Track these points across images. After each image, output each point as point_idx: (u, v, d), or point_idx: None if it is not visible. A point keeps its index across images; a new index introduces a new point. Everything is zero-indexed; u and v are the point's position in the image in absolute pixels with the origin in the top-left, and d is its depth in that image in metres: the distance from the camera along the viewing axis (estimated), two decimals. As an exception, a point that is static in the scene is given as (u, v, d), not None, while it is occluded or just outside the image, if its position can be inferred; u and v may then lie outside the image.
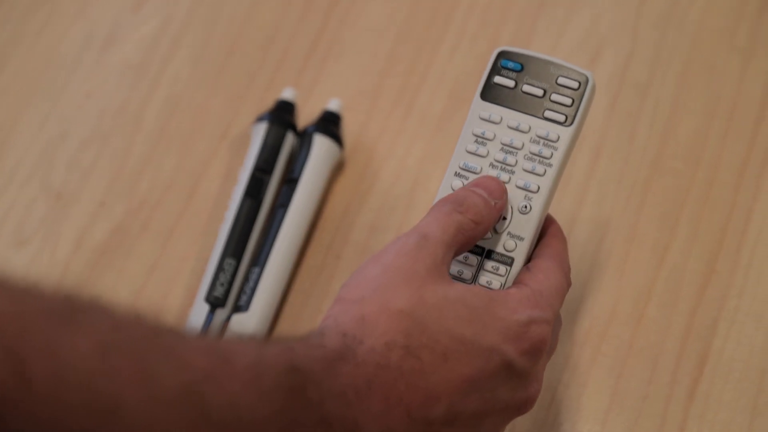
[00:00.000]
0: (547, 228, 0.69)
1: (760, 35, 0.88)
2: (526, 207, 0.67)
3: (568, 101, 0.68)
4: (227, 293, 0.80)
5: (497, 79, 0.69)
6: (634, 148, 0.86)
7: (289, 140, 0.85)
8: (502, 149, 0.68)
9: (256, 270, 0.81)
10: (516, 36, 0.90)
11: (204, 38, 0.92)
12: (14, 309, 0.49)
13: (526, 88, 0.68)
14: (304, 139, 0.85)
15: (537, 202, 0.67)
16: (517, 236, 0.67)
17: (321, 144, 0.84)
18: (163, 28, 0.92)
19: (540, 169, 0.67)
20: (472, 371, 0.60)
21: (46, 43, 0.92)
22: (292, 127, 0.85)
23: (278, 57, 0.91)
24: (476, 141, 0.68)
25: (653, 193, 0.84)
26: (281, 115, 0.85)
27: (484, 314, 0.61)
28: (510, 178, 0.67)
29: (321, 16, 0.92)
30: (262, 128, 0.85)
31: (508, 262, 0.67)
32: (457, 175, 0.68)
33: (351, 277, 0.63)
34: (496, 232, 0.67)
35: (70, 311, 0.50)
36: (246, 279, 0.81)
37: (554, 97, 0.68)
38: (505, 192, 0.67)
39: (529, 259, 0.67)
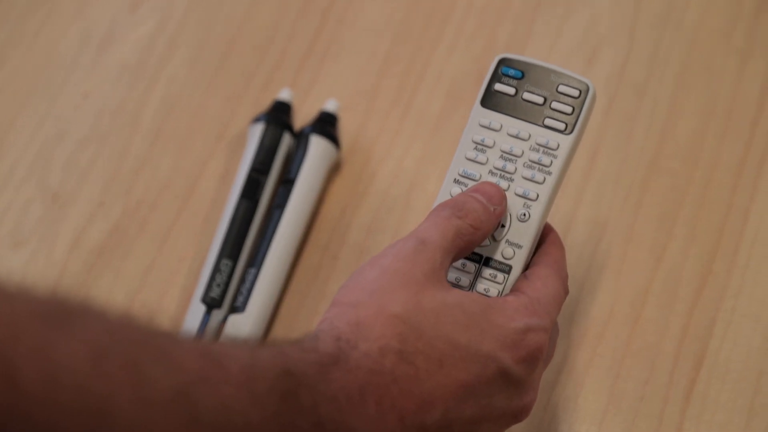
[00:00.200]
0: (545, 236, 0.68)
1: (757, 36, 0.88)
2: (524, 215, 0.67)
3: (569, 109, 0.68)
4: (224, 294, 0.80)
5: (498, 86, 0.69)
6: (631, 148, 0.86)
7: (286, 141, 0.85)
8: (501, 157, 0.68)
9: (253, 271, 0.81)
10: (513, 36, 0.90)
11: (201, 39, 0.92)
12: (5, 312, 0.49)
13: (527, 95, 0.68)
14: (301, 139, 0.85)
15: (536, 210, 0.67)
16: (515, 244, 0.67)
17: (318, 145, 0.84)
18: (160, 28, 0.92)
19: (539, 176, 0.67)
20: (468, 377, 0.60)
21: (44, 43, 0.92)
22: (289, 127, 0.85)
23: (275, 57, 0.91)
24: (476, 148, 0.68)
25: (651, 194, 0.84)
26: (278, 115, 0.85)
27: (482, 321, 0.61)
28: (509, 185, 0.67)
29: (318, 17, 0.92)
30: (258, 129, 0.85)
31: (506, 269, 0.67)
32: (456, 182, 0.68)
33: (348, 280, 0.62)
34: (495, 240, 0.67)
35: (62, 314, 0.50)
36: (242, 280, 0.81)
37: (555, 105, 0.68)
38: (504, 198, 0.66)
39: (527, 267, 0.67)
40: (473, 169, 0.68)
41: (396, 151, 0.87)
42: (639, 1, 0.91)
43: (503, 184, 0.67)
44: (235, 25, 0.92)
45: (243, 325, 0.79)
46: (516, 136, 0.68)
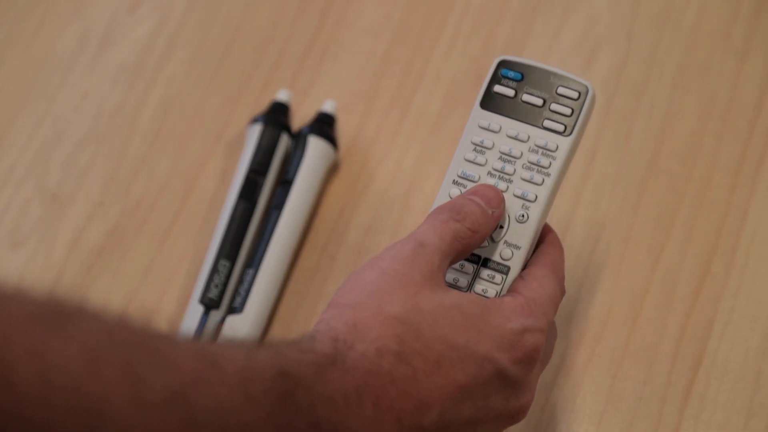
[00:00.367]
0: (544, 236, 0.68)
1: (755, 36, 0.88)
2: (523, 216, 0.67)
3: (568, 111, 0.68)
4: (222, 295, 0.80)
5: (497, 88, 0.69)
6: (629, 149, 0.86)
7: (284, 142, 0.85)
8: (500, 158, 0.68)
9: (251, 271, 0.81)
10: (511, 37, 0.90)
11: (199, 39, 0.92)
12: (0, 314, 0.49)
13: (526, 97, 0.68)
14: (299, 140, 0.85)
15: (534, 212, 0.67)
16: (513, 245, 0.67)
17: (316, 146, 0.84)
18: (158, 29, 0.92)
19: (538, 178, 0.67)
20: (465, 378, 0.60)
21: (42, 44, 0.92)
22: (287, 128, 0.85)
23: (273, 58, 0.91)
24: (475, 149, 0.68)
25: (649, 194, 0.84)
26: (276, 116, 0.85)
27: (479, 322, 0.61)
28: (508, 187, 0.67)
29: (316, 18, 0.92)
30: (256, 130, 0.85)
31: (504, 270, 0.67)
32: (455, 183, 0.68)
33: (346, 281, 0.62)
34: (493, 241, 0.67)
35: (58, 316, 0.50)
36: (240, 280, 0.81)
37: (554, 106, 0.68)
38: (502, 201, 0.67)
39: (525, 268, 0.67)
40: (472, 171, 0.68)
41: (394, 151, 0.87)
42: (637, 1, 0.90)
43: (502, 185, 0.67)
44: (234, 26, 0.92)
45: (241, 325, 0.79)
46: (515, 138, 0.68)
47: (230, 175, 0.86)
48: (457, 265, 0.67)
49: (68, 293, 0.53)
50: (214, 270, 0.81)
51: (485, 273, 0.67)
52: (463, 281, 0.67)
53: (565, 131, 0.68)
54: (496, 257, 0.67)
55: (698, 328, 0.79)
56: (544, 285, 0.65)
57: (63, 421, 0.49)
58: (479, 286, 0.67)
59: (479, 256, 0.67)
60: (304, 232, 0.84)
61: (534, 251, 0.68)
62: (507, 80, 0.69)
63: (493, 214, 0.66)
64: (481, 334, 0.61)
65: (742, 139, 0.85)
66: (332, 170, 0.86)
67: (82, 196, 0.86)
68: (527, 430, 0.77)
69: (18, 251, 0.85)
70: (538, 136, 0.68)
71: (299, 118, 0.87)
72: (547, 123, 0.68)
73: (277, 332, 0.81)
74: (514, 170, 0.67)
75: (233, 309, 0.80)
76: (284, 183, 0.83)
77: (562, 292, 0.67)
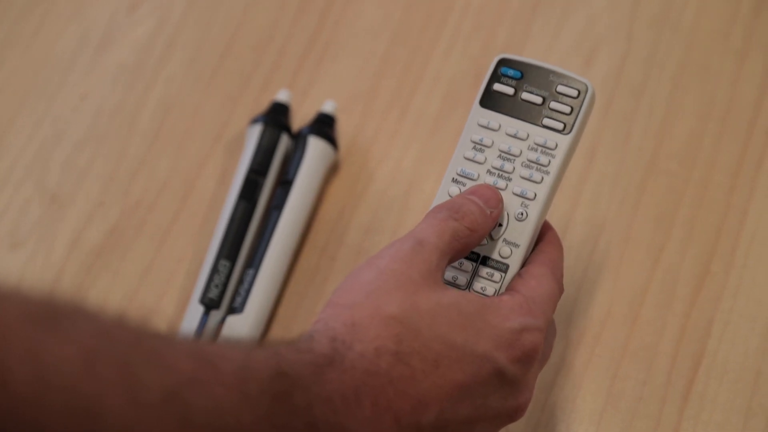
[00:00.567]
0: (543, 234, 0.68)
1: (754, 37, 0.88)
2: (522, 214, 0.67)
3: (567, 109, 0.68)
4: (222, 295, 0.80)
5: (497, 86, 0.69)
6: (629, 149, 0.86)
7: (284, 142, 0.85)
8: (500, 156, 0.68)
9: (251, 272, 0.81)
10: (511, 37, 0.90)
11: (199, 40, 0.92)
12: None
13: (526, 95, 0.68)
14: (299, 141, 0.85)
15: (533, 210, 0.67)
16: (512, 243, 0.67)
17: (316, 146, 0.84)
18: (158, 29, 0.92)
19: (537, 176, 0.67)
20: (463, 378, 0.60)
21: (42, 44, 0.92)
22: (287, 129, 0.85)
23: (273, 59, 0.91)
24: (474, 148, 0.68)
25: (648, 194, 0.84)
26: (276, 117, 0.85)
27: (477, 321, 0.61)
28: (507, 185, 0.67)
29: (316, 18, 0.92)
30: (256, 130, 0.85)
31: (503, 268, 0.67)
32: (454, 181, 0.68)
33: (344, 281, 0.62)
34: (492, 239, 0.67)
35: (54, 316, 0.50)
36: (241, 281, 0.81)
37: (553, 105, 0.68)
38: (501, 201, 0.67)
39: (524, 266, 0.67)
40: (472, 169, 0.68)
41: (394, 151, 0.87)
42: (637, 1, 0.91)
43: (501, 183, 0.67)
44: (233, 26, 0.92)
45: (241, 325, 0.79)
46: (514, 136, 0.68)
47: (229, 176, 0.86)
48: (455, 263, 0.67)
49: (65, 293, 0.53)
50: (215, 270, 0.81)
51: (484, 271, 0.67)
52: (462, 279, 0.67)
53: (564, 129, 0.68)
54: (495, 255, 0.67)
55: (698, 328, 0.79)
56: (542, 283, 0.65)
57: (59, 421, 0.49)
58: (478, 284, 0.67)
59: (478, 254, 0.67)
60: (304, 232, 0.84)
61: (533, 249, 0.68)
62: (507, 78, 0.69)
63: (492, 214, 0.66)
64: (480, 333, 0.61)
65: (741, 140, 0.85)
66: (332, 170, 0.86)
67: (82, 196, 0.86)
68: (527, 430, 0.77)
69: (18, 251, 0.85)
70: (538, 134, 0.68)
71: (299, 119, 0.87)
72: (546, 121, 0.68)
73: (277, 332, 0.81)
74: (514, 168, 0.68)
75: (233, 309, 0.80)
76: (284, 183, 0.83)
77: (561, 290, 0.67)
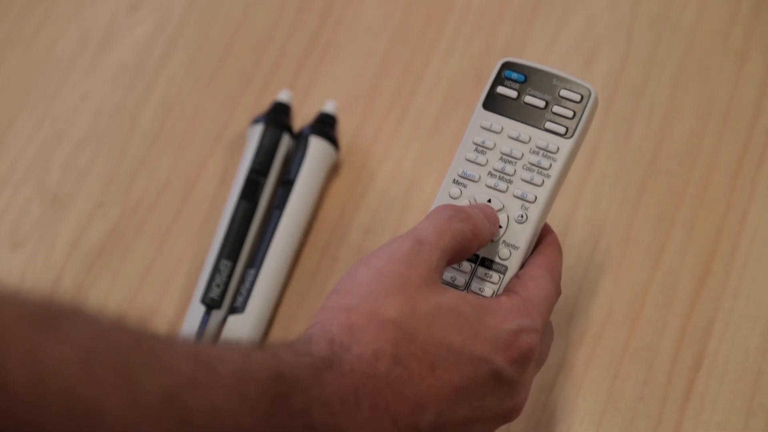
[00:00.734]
0: (543, 237, 0.69)
1: (754, 37, 0.89)
2: (522, 216, 0.67)
3: (570, 113, 0.68)
4: (223, 295, 0.80)
5: (500, 89, 0.69)
6: (629, 149, 0.86)
7: (285, 142, 0.85)
8: (501, 158, 0.68)
9: (252, 271, 0.81)
10: (511, 38, 0.90)
11: (199, 40, 0.92)
12: None
13: (529, 99, 0.69)
14: (300, 141, 0.85)
15: (534, 212, 0.67)
16: (512, 245, 0.67)
17: (317, 146, 0.84)
18: (158, 29, 0.92)
19: (538, 179, 0.67)
20: (460, 380, 0.60)
21: (42, 45, 0.92)
22: (288, 129, 0.85)
23: (274, 59, 0.91)
24: (476, 149, 0.68)
25: (649, 195, 0.84)
26: (277, 117, 0.85)
27: (475, 323, 0.61)
28: (508, 187, 0.68)
29: (316, 18, 0.92)
30: (257, 130, 0.85)
31: (502, 270, 0.67)
32: (455, 182, 0.68)
33: (341, 281, 0.62)
34: (492, 241, 0.67)
35: (52, 318, 0.50)
36: (242, 280, 0.81)
37: (556, 109, 0.68)
38: (498, 221, 0.67)
39: (522, 268, 0.67)
40: (473, 170, 0.68)
41: (394, 152, 0.87)
42: (637, 2, 0.91)
43: (502, 185, 0.68)
44: (234, 27, 0.92)
45: (242, 325, 0.79)
46: (516, 139, 0.68)
47: (230, 176, 0.86)
48: (455, 263, 0.67)
49: (65, 294, 0.53)
50: (216, 270, 0.81)
51: (483, 272, 0.67)
52: (461, 280, 0.67)
53: (566, 133, 0.68)
54: (494, 257, 0.67)
55: (698, 328, 0.79)
56: (539, 285, 0.66)
57: (57, 423, 0.49)
58: (476, 285, 0.67)
59: (477, 256, 0.67)
60: (305, 232, 0.84)
61: (532, 251, 0.68)
62: (510, 82, 0.69)
63: (490, 228, 0.66)
64: (477, 335, 0.61)
65: (741, 140, 0.85)
66: (333, 170, 0.86)
67: (82, 196, 0.86)
68: (528, 430, 0.77)
69: (18, 251, 0.85)
70: (540, 137, 0.68)
71: (300, 119, 0.88)
72: (548, 125, 0.68)
73: (278, 332, 0.81)
74: (515, 171, 0.68)
75: (235, 309, 0.80)
76: (285, 183, 0.83)
77: (558, 292, 0.68)
